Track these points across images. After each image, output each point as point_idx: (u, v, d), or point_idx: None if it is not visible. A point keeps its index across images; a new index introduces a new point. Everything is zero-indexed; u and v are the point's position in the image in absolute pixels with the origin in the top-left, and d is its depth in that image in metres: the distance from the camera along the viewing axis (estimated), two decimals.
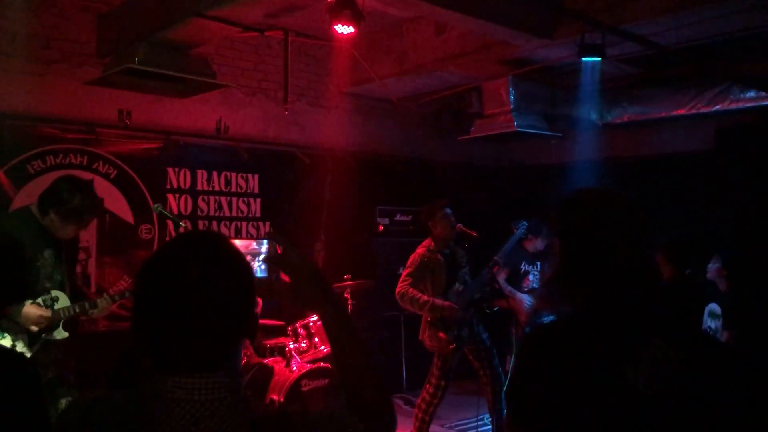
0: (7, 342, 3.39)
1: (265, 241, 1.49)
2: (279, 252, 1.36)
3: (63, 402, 3.51)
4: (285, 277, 1.43)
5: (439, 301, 4.98)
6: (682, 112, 6.13)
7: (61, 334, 3.68)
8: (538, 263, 6.41)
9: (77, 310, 3.67)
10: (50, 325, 3.57)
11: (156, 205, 3.97)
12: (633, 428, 1.52)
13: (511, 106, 6.03)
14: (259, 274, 1.58)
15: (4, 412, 1.67)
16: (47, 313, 3.51)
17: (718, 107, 5.94)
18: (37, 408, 1.76)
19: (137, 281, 1.21)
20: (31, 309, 3.47)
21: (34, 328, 3.46)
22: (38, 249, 3.60)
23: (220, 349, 1.19)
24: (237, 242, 1.46)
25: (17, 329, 3.43)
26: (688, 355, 1.56)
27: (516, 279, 6.29)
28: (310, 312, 1.39)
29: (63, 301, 3.69)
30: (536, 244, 6.29)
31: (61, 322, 3.66)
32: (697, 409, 1.57)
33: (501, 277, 6.21)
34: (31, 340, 3.52)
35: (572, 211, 1.67)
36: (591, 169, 7.02)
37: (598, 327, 1.58)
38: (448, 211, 5.19)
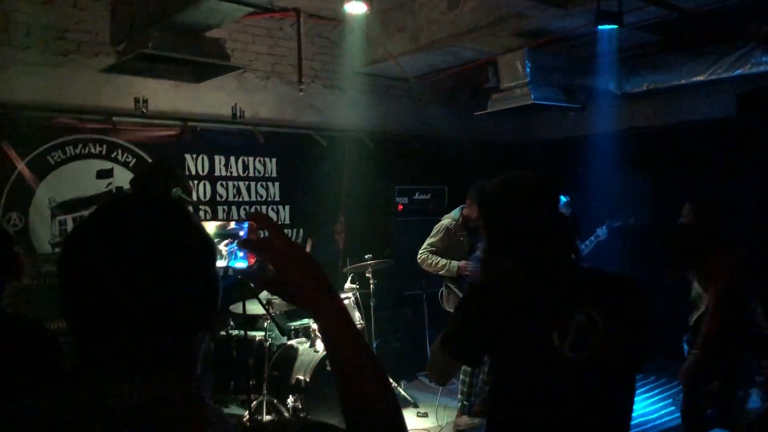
0: None
1: (245, 224, 1.27)
2: (261, 236, 1.10)
3: None
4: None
5: (456, 262, 5.30)
6: (701, 78, 6.02)
7: None
8: None
9: None
10: None
11: (175, 190, 3.97)
12: (555, 386, 1.72)
13: (528, 79, 5.96)
14: (237, 262, 1.24)
15: (25, 378, 1.70)
16: None
17: (738, 72, 5.81)
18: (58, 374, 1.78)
19: (60, 256, 0.96)
20: None
21: None
22: None
23: (164, 346, 0.93)
24: (215, 222, 1.20)
25: None
26: (611, 319, 1.71)
27: None
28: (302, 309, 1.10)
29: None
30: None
31: None
32: (616, 370, 1.75)
33: None
34: None
35: (487, 193, 1.92)
36: (611, 140, 6.94)
37: (522, 289, 1.78)
38: None
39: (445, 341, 1.87)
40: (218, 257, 1.05)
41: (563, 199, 5.87)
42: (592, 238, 6.09)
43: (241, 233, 1.09)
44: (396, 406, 1.08)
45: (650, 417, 5.31)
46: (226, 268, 1.16)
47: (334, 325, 1.07)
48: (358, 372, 1.06)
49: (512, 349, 1.77)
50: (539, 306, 1.76)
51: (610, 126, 6.99)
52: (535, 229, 1.82)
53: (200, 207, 4.33)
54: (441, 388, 5.25)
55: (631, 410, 1.87)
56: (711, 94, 6.53)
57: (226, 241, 1.18)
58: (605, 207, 6.54)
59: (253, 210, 6.39)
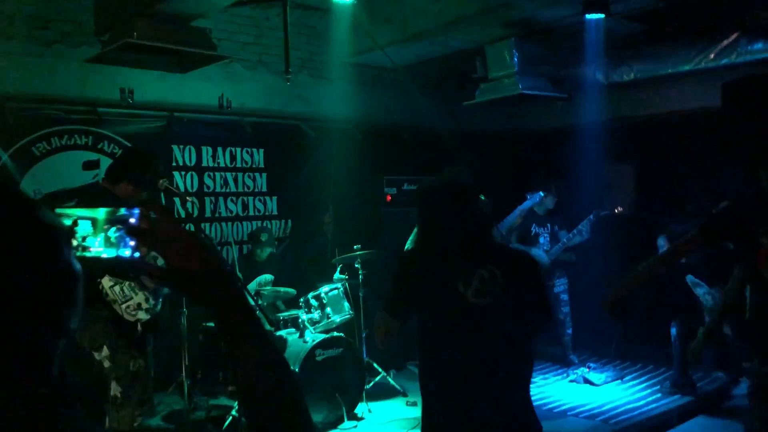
0: (140, 298, 3.60)
1: (136, 210, 1.18)
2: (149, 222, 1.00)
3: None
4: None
5: None
6: (688, 67, 6.03)
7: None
8: (548, 225, 6.41)
9: None
10: None
11: (162, 180, 3.95)
12: (462, 325, 2.22)
13: (516, 69, 5.96)
14: (126, 250, 1.11)
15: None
16: None
17: (725, 61, 5.83)
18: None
19: None
20: None
21: (151, 285, 3.64)
22: None
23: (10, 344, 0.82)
24: (104, 209, 1.04)
25: (143, 287, 3.63)
26: (508, 276, 2.23)
27: (527, 241, 6.31)
28: (205, 305, 0.97)
29: (161, 260, 3.76)
30: (546, 203, 6.31)
31: None
32: (512, 316, 2.23)
33: (513, 240, 6.25)
34: (154, 295, 3.71)
35: (420, 191, 2.53)
36: (598, 130, 6.96)
37: (440, 256, 2.33)
38: None
39: (384, 303, 2.35)
40: (73, 247, 0.94)
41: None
42: (575, 231, 6.14)
43: (132, 220, 0.97)
44: (295, 404, 1.02)
45: (637, 404, 5.34)
46: (116, 257, 1.03)
47: (229, 316, 0.99)
48: (255, 368, 0.99)
49: (429, 301, 2.27)
50: (451, 265, 2.26)
51: (598, 116, 7.01)
52: (452, 218, 2.34)
53: (187, 198, 4.30)
54: None
55: (531, 354, 2.36)
56: (698, 84, 6.55)
57: (114, 228, 1.01)
58: (592, 196, 6.58)
59: (240, 201, 6.37)
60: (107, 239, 1.00)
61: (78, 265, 0.91)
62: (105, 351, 3.56)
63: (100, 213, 1.01)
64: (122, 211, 1.01)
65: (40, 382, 0.83)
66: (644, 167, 7.33)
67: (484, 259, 2.26)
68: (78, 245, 0.99)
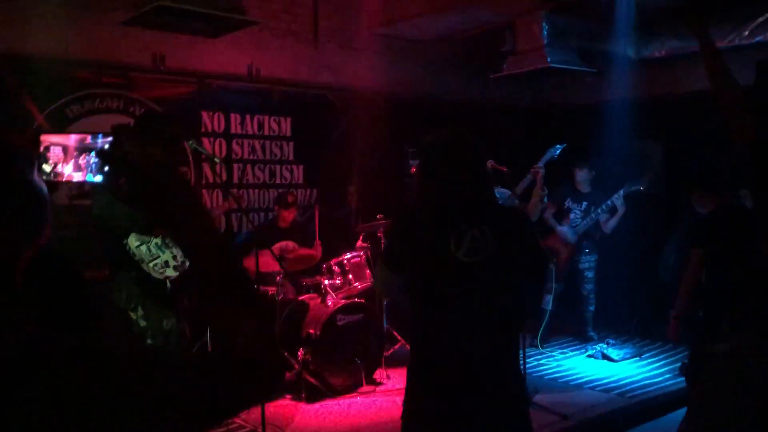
0: (167, 256, 3.67)
1: (107, 138, 1.20)
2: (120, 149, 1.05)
3: None
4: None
5: None
6: (722, 44, 5.93)
7: None
8: (584, 202, 6.39)
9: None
10: None
11: (191, 141, 4.04)
12: (451, 283, 2.24)
13: (545, 42, 5.92)
14: (90, 175, 1.13)
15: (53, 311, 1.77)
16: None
17: (759, 38, 5.74)
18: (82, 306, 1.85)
19: None
20: None
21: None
22: None
23: None
24: (74, 135, 1.10)
25: (171, 243, 3.69)
26: (500, 235, 2.25)
27: (558, 215, 6.31)
28: (161, 229, 1.06)
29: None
30: (581, 176, 6.29)
31: None
32: (500, 274, 2.25)
33: (548, 213, 6.26)
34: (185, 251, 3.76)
35: (422, 145, 2.46)
36: (627, 107, 6.88)
37: (435, 213, 2.33)
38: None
39: (382, 258, 2.42)
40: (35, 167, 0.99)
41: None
42: (604, 206, 6.09)
43: (106, 147, 1.03)
44: (262, 335, 1.04)
45: (655, 380, 5.36)
46: (84, 181, 1.09)
47: (194, 237, 1.04)
48: (222, 290, 1.03)
49: (421, 257, 2.28)
50: (444, 223, 2.28)
51: (627, 92, 6.93)
52: (449, 174, 2.34)
53: (215, 160, 4.39)
54: None
55: (518, 315, 2.37)
56: (731, 62, 6.42)
57: (84, 155, 1.08)
58: (621, 174, 6.53)
59: (268, 168, 6.45)
60: (77, 165, 1.07)
61: (44, 188, 0.98)
62: (140, 311, 3.65)
63: (71, 140, 1.07)
64: (95, 137, 1.07)
65: None
66: (674, 146, 7.24)
67: (477, 218, 2.28)
68: (51, 171, 1.06)
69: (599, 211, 6.19)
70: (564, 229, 6.25)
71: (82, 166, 1.08)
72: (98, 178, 1.07)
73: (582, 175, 6.32)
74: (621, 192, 6.05)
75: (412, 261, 2.32)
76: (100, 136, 1.07)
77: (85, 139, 1.08)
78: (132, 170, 1.02)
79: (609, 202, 6.15)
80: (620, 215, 6.17)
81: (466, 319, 2.24)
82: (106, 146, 1.05)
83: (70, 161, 1.08)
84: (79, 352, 0.88)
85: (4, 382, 0.81)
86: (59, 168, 1.08)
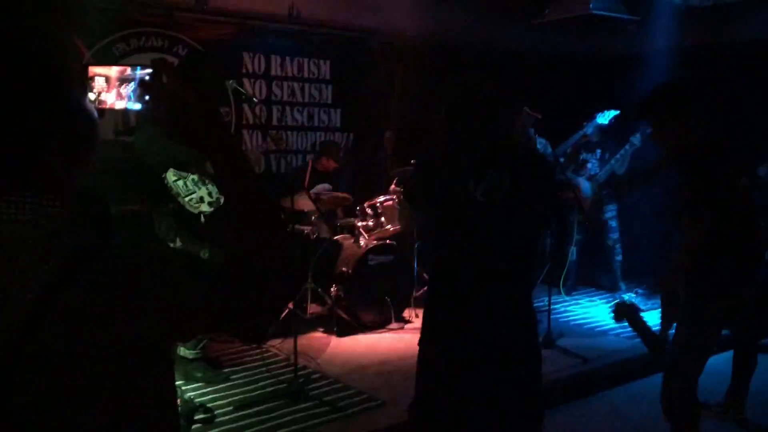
0: (203, 192, 3.79)
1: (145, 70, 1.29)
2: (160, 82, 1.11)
3: None
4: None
5: None
6: None
7: None
8: (598, 150, 6.38)
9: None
10: None
11: (231, 81, 4.15)
12: (468, 221, 2.36)
13: None
14: (130, 103, 1.21)
15: None
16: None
17: None
18: None
19: None
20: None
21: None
22: None
23: (15, 161, 1.01)
24: (115, 67, 1.18)
25: (207, 180, 3.81)
26: (518, 178, 2.34)
27: (575, 166, 6.32)
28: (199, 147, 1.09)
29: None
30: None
31: None
32: (514, 215, 2.36)
33: (568, 170, 6.26)
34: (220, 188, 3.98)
35: (451, 93, 2.52)
36: (673, 58, 6.73)
37: (456, 155, 2.46)
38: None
39: (404, 194, 2.69)
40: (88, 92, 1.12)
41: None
42: (627, 146, 6.05)
43: (147, 78, 1.13)
44: (284, 248, 1.15)
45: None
46: (125, 109, 1.21)
47: (226, 164, 1.12)
48: (252, 216, 1.12)
49: (440, 195, 2.42)
50: (464, 164, 2.41)
51: (673, 42, 6.77)
52: (472, 119, 2.44)
53: (255, 100, 4.51)
54: None
55: (532, 252, 2.51)
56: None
57: (125, 84, 1.20)
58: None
59: (306, 112, 6.55)
60: (119, 94, 1.20)
61: (94, 112, 1.10)
62: (178, 242, 3.86)
63: (113, 71, 1.20)
64: (134, 69, 1.19)
65: (51, 201, 1.01)
66: (719, 99, 7.07)
67: (496, 160, 2.38)
68: (96, 99, 1.20)
69: (618, 157, 6.15)
70: (584, 183, 6.26)
71: (124, 95, 1.21)
72: (137, 107, 1.20)
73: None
74: (638, 135, 5.96)
75: (432, 199, 2.46)
76: (138, 68, 1.19)
77: (125, 70, 1.21)
78: (171, 99, 1.09)
79: (626, 147, 6.07)
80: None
81: (481, 255, 2.36)
82: (147, 77, 1.17)
83: (112, 90, 1.21)
84: (119, 253, 1.02)
85: (64, 275, 0.96)
86: (102, 96, 1.21)
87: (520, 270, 2.44)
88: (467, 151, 2.45)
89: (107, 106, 1.23)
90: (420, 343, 2.50)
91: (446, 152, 2.52)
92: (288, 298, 1.06)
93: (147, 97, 1.15)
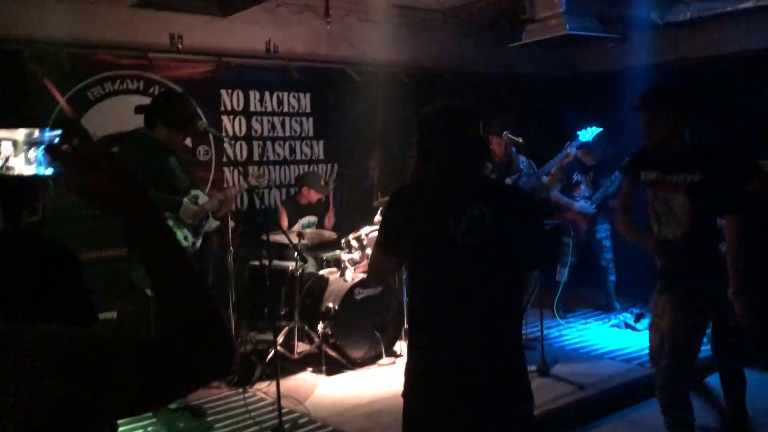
0: (180, 235, 3.93)
1: (56, 131, 1.19)
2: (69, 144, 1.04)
3: None
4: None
5: None
6: (749, 5, 5.75)
7: (214, 223, 4.29)
8: (590, 172, 6.34)
9: (221, 199, 4.30)
10: (204, 217, 4.14)
11: (201, 122, 4.12)
12: (449, 265, 2.20)
13: (563, 8, 5.78)
14: (39, 168, 1.12)
15: (48, 293, 1.84)
16: (199, 208, 4.07)
17: None
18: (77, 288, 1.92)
19: None
20: (188, 206, 4.00)
21: (190, 222, 4.02)
22: (163, 158, 4.03)
23: None
24: (23, 130, 1.06)
25: (182, 225, 3.95)
26: (499, 215, 2.19)
27: (568, 188, 6.26)
28: (117, 215, 1.01)
29: (203, 197, 4.21)
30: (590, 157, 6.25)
31: (210, 213, 4.22)
32: (501, 256, 2.22)
33: (556, 191, 6.21)
34: (194, 232, 4.07)
35: (422, 117, 2.35)
36: (653, 73, 6.72)
37: (433, 189, 2.29)
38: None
39: (376, 241, 2.38)
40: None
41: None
42: (616, 174, 6.00)
43: (55, 141, 1.05)
44: (209, 297, 1.11)
45: None
46: (33, 175, 1.10)
47: (143, 228, 1.07)
48: (172, 274, 1.09)
49: (419, 237, 2.24)
50: (443, 202, 2.23)
51: (653, 58, 6.76)
52: (452, 147, 2.29)
53: (225, 139, 4.48)
54: None
55: (517, 295, 2.36)
56: (759, 23, 6.23)
57: (35, 149, 1.09)
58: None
59: (287, 145, 6.49)
60: (27, 159, 1.10)
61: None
62: None
63: (20, 134, 1.11)
64: (42, 132, 1.10)
65: None
66: (700, 111, 7.04)
67: (475, 196, 2.21)
68: (3, 165, 1.10)
69: (612, 179, 6.10)
70: (584, 205, 6.22)
71: (32, 160, 1.12)
72: (49, 172, 1.11)
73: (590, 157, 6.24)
74: (627, 159, 5.91)
75: (409, 240, 2.27)
76: (47, 129, 1.11)
77: (32, 133, 1.11)
78: (78, 165, 1.01)
79: (618, 173, 6.02)
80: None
81: (463, 299, 2.20)
82: (55, 140, 1.09)
83: (20, 155, 1.12)
84: (32, 341, 0.93)
85: None
86: (10, 162, 1.12)
87: (506, 312, 2.28)
88: (444, 187, 2.28)
89: (15, 173, 1.13)
90: (403, 395, 2.36)
91: (422, 189, 2.34)
92: (222, 371, 1.00)
93: (56, 163, 1.06)
